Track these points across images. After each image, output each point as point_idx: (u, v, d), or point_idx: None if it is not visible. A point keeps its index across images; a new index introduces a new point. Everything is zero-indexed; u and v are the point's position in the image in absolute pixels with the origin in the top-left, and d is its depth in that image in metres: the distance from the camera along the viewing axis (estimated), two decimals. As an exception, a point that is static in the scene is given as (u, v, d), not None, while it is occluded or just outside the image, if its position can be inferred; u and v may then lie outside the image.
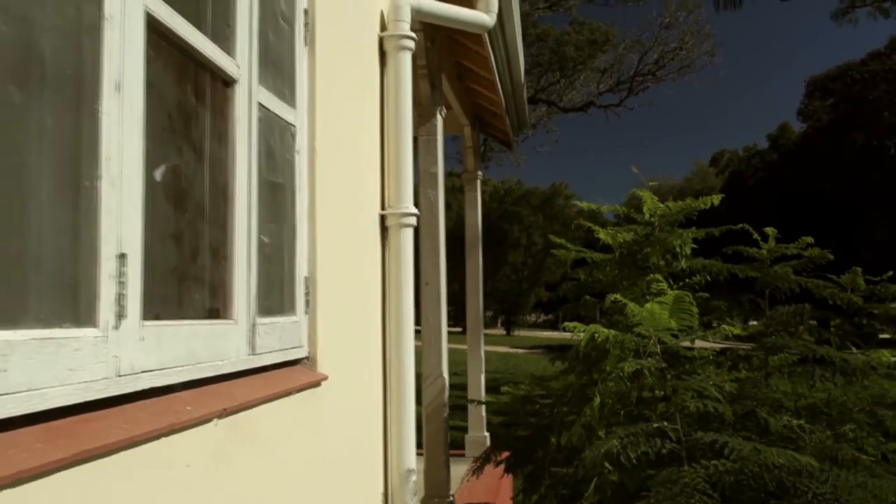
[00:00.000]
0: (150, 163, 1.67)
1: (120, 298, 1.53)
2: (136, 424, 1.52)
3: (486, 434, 7.33)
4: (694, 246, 4.13)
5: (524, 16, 22.78)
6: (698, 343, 4.29)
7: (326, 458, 2.74)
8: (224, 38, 2.12)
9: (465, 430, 7.37)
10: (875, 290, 4.19)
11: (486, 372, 7.83)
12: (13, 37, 1.28)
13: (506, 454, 4.65)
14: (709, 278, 4.19)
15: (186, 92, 1.91)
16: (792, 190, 33.59)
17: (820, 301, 4.32)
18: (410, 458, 3.60)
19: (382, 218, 3.62)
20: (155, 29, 1.71)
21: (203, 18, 2.01)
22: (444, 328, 5.05)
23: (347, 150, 3.15)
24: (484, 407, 7.26)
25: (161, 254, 1.75)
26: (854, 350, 4.08)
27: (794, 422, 3.52)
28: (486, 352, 7.90)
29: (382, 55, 3.71)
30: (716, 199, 4.18)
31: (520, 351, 33.28)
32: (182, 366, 1.78)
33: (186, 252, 1.89)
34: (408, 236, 3.64)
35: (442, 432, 4.94)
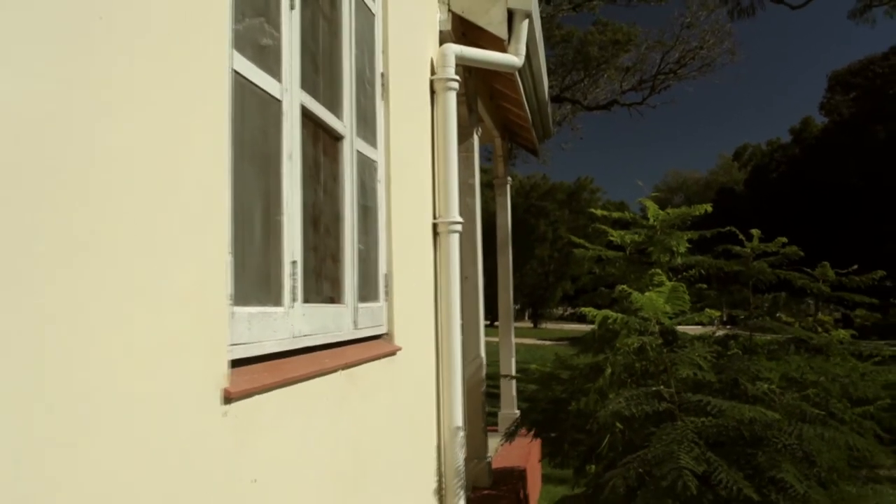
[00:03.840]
0: (305, 200, 2.60)
1: (293, 289, 2.46)
2: (302, 368, 2.44)
3: (517, 411, 8.23)
4: (689, 245, 5.00)
5: (548, 18, 23.55)
6: (702, 329, 5.17)
7: (400, 408, 3.67)
8: (336, 107, 3.05)
9: (497, 410, 8.28)
10: (843, 280, 5.04)
11: (517, 364, 8.73)
12: (246, 128, 2.19)
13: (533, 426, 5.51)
14: (703, 272, 5.06)
15: (318, 149, 2.84)
16: (814, 183, 34.11)
17: (799, 289, 5.18)
18: (458, 418, 4.51)
19: (434, 226, 4.53)
20: (304, 113, 2.64)
21: (326, 97, 2.94)
22: (482, 316, 5.99)
23: (410, 174, 4.06)
24: (514, 385, 8.15)
25: (309, 259, 2.68)
26: (819, 330, 4.92)
27: (767, 387, 4.37)
28: (514, 343, 8.82)
29: (432, 93, 4.61)
30: (708, 207, 5.04)
31: (546, 343, 34.16)
32: (320, 333, 2.71)
33: (320, 258, 2.82)
34: (455, 241, 4.54)
35: (480, 404, 5.86)
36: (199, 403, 1.77)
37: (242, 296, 2.12)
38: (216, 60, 1.90)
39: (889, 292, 44.91)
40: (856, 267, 5.07)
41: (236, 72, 2.08)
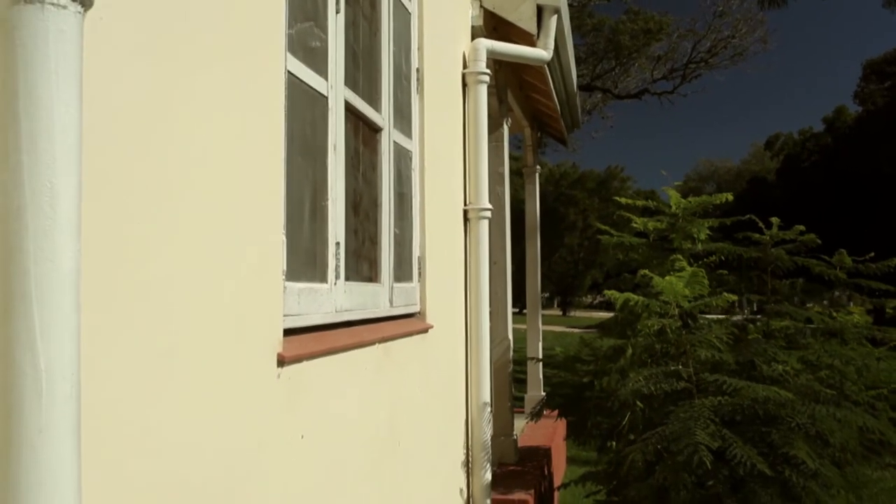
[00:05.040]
0: (347, 187, 2.85)
1: (336, 268, 2.71)
2: (343, 339, 2.70)
3: (543, 393, 8.47)
4: (710, 233, 5.21)
5: (580, 7, 23.63)
6: (724, 317, 5.37)
7: (431, 383, 3.92)
8: (375, 101, 3.29)
9: (524, 395, 8.52)
10: (859, 267, 5.21)
11: (543, 350, 8.97)
12: (296, 122, 2.44)
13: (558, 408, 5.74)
14: (723, 258, 5.27)
15: (358, 140, 3.09)
16: (847, 173, 33.88)
17: (817, 276, 5.37)
18: (486, 394, 4.76)
19: (465, 212, 4.77)
20: (348, 108, 2.88)
21: (366, 92, 3.18)
22: (510, 300, 6.23)
23: (443, 163, 4.30)
24: (541, 367, 8.39)
25: (350, 241, 2.93)
26: (834, 314, 5.11)
27: (782, 368, 4.58)
28: (542, 332, 9.06)
29: (464, 86, 4.84)
30: (729, 196, 5.23)
31: (575, 330, 34.28)
32: (359, 309, 2.96)
33: (360, 240, 3.07)
34: (484, 227, 4.78)
35: (507, 384, 6.11)
36: (258, 364, 2.03)
37: (293, 273, 2.38)
38: (274, 64, 2.16)
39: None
40: (872, 254, 5.24)
41: (289, 72, 2.33)
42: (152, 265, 1.56)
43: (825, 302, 5.86)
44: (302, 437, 2.29)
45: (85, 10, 1.16)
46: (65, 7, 1.12)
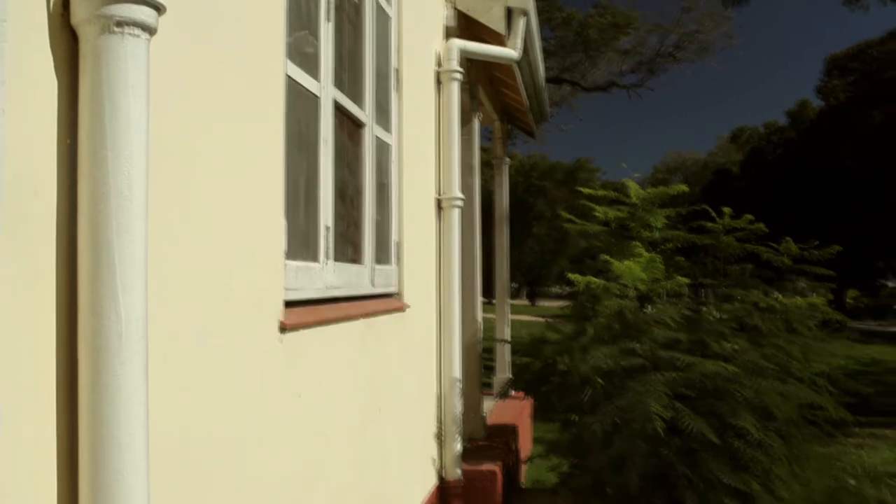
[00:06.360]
0: (335, 177, 3.18)
1: (326, 249, 3.04)
2: (332, 313, 3.03)
3: (511, 376, 8.84)
4: (667, 221, 5.58)
5: (550, 1, 23.98)
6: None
7: (408, 358, 4.27)
8: (359, 99, 3.62)
9: (492, 380, 8.89)
10: (804, 254, 5.61)
11: (512, 338, 9.33)
12: (293, 120, 2.77)
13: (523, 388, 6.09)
14: (679, 245, 5.65)
15: (344, 134, 3.42)
16: (809, 165, 34.55)
17: (765, 262, 5.76)
18: (457, 370, 5.11)
19: (438, 201, 5.11)
20: (336, 106, 3.21)
21: (351, 91, 3.51)
22: (479, 285, 6.59)
23: (419, 154, 4.64)
24: (508, 352, 8.76)
25: (338, 226, 3.26)
26: (779, 296, 5.51)
27: (730, 346, 4.96)
28: (511, 320, 9.43)
29: (438, 83, 5.17)
30: (685, 187, 5.62)
31: (542, 319, 34.68)
32: (345, 287, 3.29)
33: (345, 225, 3.40)
34: (456, 215, 5.12)
35: (476, 363, 6.46)
36: (265, 329, 2.36)
37: (291, 252, 2.70)
38: (277, 70, 2.49)
39: (880, 273, 45.20)
40: (817, 242, 5.64)
41: (288, 76, 2.66)
42: (187, 240, 1.88)
43: (789, 293, 6.24)
44: (299, 396, 2.63)
45: (151, 38, 1.49)
46: (138, 36, 1.45)
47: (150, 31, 1.48)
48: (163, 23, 1.55)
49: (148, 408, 1.48)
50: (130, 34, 1.43)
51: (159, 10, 1.50)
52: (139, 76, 1.45)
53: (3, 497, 1.26)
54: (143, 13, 1.45)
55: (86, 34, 1.42)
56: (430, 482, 4.75)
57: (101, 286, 1.40)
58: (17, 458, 1.31)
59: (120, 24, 1.41)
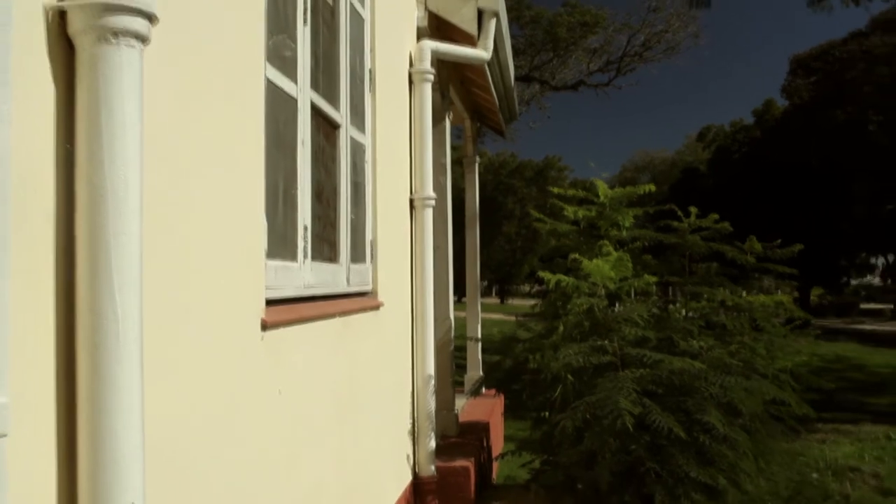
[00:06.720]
0: (313, 178, 3.24)
1: (304, 249, 3.10)
2: (310, 311, 3.09)
3: (482, 374, 8.93)
4: (634, 220, 5.70)
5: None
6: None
7: (383, 355, 4.34)
8: (335, 100, 3.69)
9: (464, 379, 8.96)
10: (767, 253, 5.75)
11: (482, 337, 9.43)
12: (272, 122, 2.82)
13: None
14: (647, 244, 5.77)
15: (321, 136, 3.48)
16: (775, 165, 34.93)
17: (730, 261, 5.90)
18: (430, 367, 5.18)
19: (411, 201, 5.18)
20: (313, 107, 3.27)
21: (327, 93, 3.57)
22: (451, 283, 6.68)
23: (392, 154, 4.71)
24: (479, 348, 8.85)
25: (314, 225, 3.32)
26: (744, 294, 5.64)
27: (697, 344, 5.08)
28: (481, 318, 9.51)
29: (411, 83, 5.24)
30: (652, 186, 5.74)
31: (512, 318, 34.87)
32: (322, 286, 3.36)
33: (322, 225, 3.47)
34: (429, 214, 5.20)
35: (449, 361, 6.54)
36: (247, 326, 2.42)
37: (271, 252, 2.76)
38: (257, 74, 2.54)
39: (843, 271, 45.79)
40: (780, 241, 5.78)
41: (268, 79, 2.71)
42: (173, 239, 1.94)
43: (755, 291, 6.37)
44: (280, 392, 2.69)
45: (145, 47, 1.55)
46: (133, 46, 1.51)
47: (144, 40, 1.54)
48: (154, 33, 1.61)
49: (143, 399, 1.54)
50: (125, 44, 1.49)
51: (152, 20, 1.56)
52: (133, 83, 1.51)
53: (8, 483, 1.31)
54: (137, 24, 1.51)
55: (82, 44, 1.48)
56: (405, 478, 4.83)
57: (99, 285, 1.46)
58: (20, 448, 1.36)
59: (115, 34, 1.47)
